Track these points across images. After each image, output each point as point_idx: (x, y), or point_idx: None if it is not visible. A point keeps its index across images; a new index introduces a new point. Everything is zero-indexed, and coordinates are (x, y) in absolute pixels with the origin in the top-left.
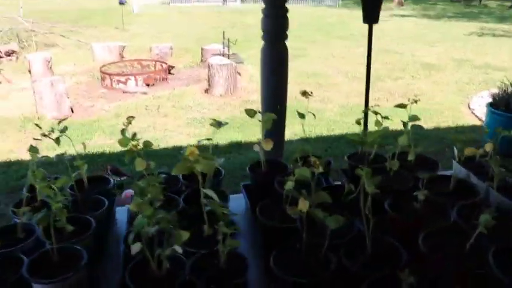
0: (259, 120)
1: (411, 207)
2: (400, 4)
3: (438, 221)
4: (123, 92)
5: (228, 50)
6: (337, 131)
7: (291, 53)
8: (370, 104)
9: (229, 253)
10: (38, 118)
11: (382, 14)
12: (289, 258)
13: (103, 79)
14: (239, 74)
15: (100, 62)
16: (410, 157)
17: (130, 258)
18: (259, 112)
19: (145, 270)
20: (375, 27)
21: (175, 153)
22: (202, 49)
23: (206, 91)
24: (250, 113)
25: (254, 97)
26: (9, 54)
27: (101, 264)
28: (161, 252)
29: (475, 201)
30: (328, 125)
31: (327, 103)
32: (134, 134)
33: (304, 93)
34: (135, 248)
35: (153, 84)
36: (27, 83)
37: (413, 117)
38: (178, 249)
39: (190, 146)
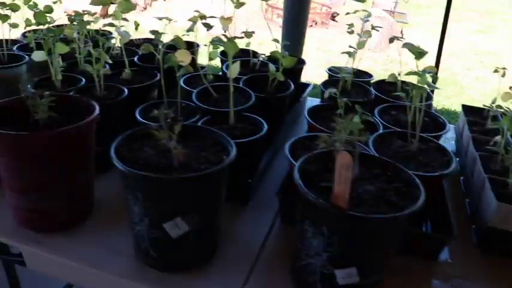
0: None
1: None
2: None
3: None
4: (280, 26)
5: (395, 7)
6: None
7: (475, 28)
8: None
9: None
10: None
11: None
12: None
13: (266, 11)
14: (402, 35)
15: None
16: None
17: None
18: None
19: None
20: None
21: None
22: (373, 2)
23: None
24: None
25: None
26: None
27: None
28: None
29: None
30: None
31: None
32: None
33: None
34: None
35: (311, 26)
36: None
37: None
38: None
39: None
